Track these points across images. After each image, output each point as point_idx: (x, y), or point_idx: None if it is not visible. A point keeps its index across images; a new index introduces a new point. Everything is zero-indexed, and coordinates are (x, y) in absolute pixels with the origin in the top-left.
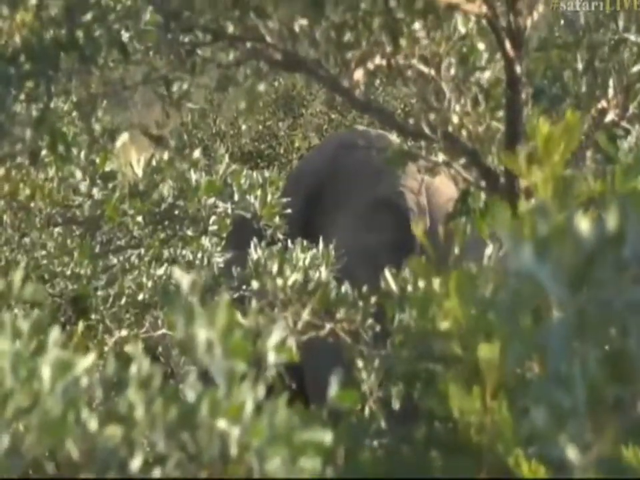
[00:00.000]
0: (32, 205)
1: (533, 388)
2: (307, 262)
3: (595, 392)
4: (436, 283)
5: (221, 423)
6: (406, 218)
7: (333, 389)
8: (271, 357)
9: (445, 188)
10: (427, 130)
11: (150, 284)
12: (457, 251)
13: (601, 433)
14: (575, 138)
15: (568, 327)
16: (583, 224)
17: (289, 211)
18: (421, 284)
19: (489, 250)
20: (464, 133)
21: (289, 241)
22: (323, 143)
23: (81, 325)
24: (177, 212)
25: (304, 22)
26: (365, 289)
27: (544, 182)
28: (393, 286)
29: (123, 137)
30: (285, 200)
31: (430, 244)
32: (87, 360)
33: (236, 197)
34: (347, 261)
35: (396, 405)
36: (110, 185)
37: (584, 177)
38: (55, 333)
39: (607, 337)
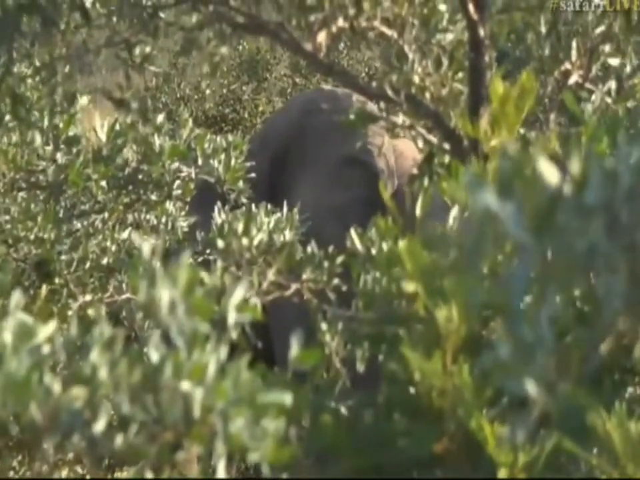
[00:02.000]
0: None
1: (498, 325)
2: (271, 225)
3: (561, 330)
4: (401, 244)
5: (184, 385)
6: (375, 175)
7: (294, 349)
8: (234, 316)
9: (410, 152)
10: (389, 92)
11: (114, 248)
12: (419, 212)
13: (565, 373)
14: (531, 99)
15: (530, 271)
16: (546, 167)
17: (253, 175)
18: (386, 245)
19: (453, 212)
20: (427, 95)
21: (254, 206)
22: (288, 104)
23: (44, 289)
24: (140, 176)
25: None
26: (331, 248)
27: (501, 144)
28: (359, 246)
29: (83, 101)
30: (249, 164)
31: (396, 206)
32: (49, 327)
33: (200, 161)
34: (315, 219)
35: (360, 367)
36: (73, 150)
37: (547, 139)
38: (16, 296)
39: (570, 282)
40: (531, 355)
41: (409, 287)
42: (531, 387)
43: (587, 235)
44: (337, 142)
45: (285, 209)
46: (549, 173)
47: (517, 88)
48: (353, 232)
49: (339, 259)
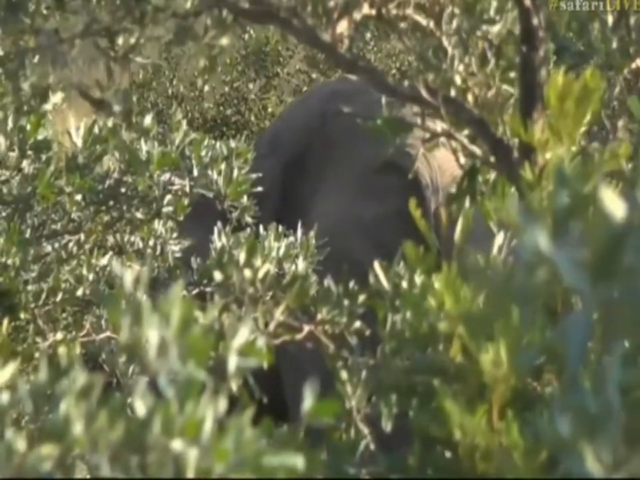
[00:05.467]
0: None
1: (555, 394)
2: (281, 252)
3: (630, 396)
4: (436, 277)
5: (176, 443)
6: (416, 182)
7: (308, 400)
8: (236, 361)
9: (448, 165)
10: (425, 94)
11: (91, 277)
12: (458, 238)
13: (636, 446)
14: (596, 102)
15: (589, 323)
16: (611, 198)
17: (260, 187)
18: (418, 279)
19: (499, 239)
20: (469, 97)
21: (261, 225)
22: (306, 97)
23: (6, 326)
24: (123, 190)
25: None
26: (355, 277)
27: (559, 151)
28: (384, 281)
29: (56, 98)
30: (255, 173)
31: (430, 229)
32: (9, 369)
33: (195, 172)
34: (338, 239)
35: (387, 425)
36: (43, 157)
37: (611, 150)
38: None
39: (636, 336)
40: (596, 430)
41: (445, 326)
42: (596, 469)
43: None
44: (367, 142)
45: (300, 231)
46: (614, 202)
47: (580, 84)
48: (377, 264)
49: (362, 296)
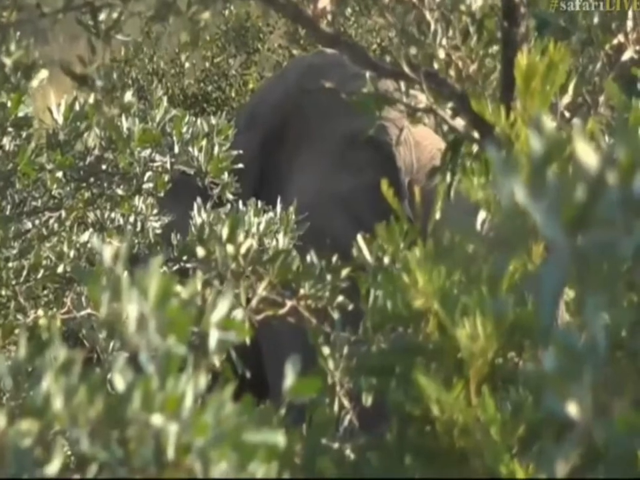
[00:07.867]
0: None
1: (541, 332)
2: (261, 228)
3: (616, 337)
4: (410, 253)
5: (156, 419)
6: (390, 156)
7: (290, 377)
8: (217, 336)
9: (427, 142)
10: (407, 69)
11: (72, 253)
12: (435, 214)
13: (618, 391)
14: (560, 77)
15: (563, 273)
16: (586, 151)
17: (240, 165)
18: (400, 253)
19: (481, 215)
20: (452, 72)
21: (241, 202)
22: (283, 71)
23: None
24: (104, 166)
25: None
26: (336, 251)
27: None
28: (367, 255)
29: (41, 75)
30: (235, 152)
31: (403, 204)
32: None
33: (176, 149)
34: (317, 212)
35: (367, 400)
36: (24, 134)
37: (591, 127)
38: None
39: (611, 285)
40: (581, 369)
41: (419, 302)
42: (573, 408)
43: (635, 232)
44: (343, 117)
45: (279, 206)
46: (589, 157)
47: (544, 62)
48: (360, 238)
49: (345, 270)
